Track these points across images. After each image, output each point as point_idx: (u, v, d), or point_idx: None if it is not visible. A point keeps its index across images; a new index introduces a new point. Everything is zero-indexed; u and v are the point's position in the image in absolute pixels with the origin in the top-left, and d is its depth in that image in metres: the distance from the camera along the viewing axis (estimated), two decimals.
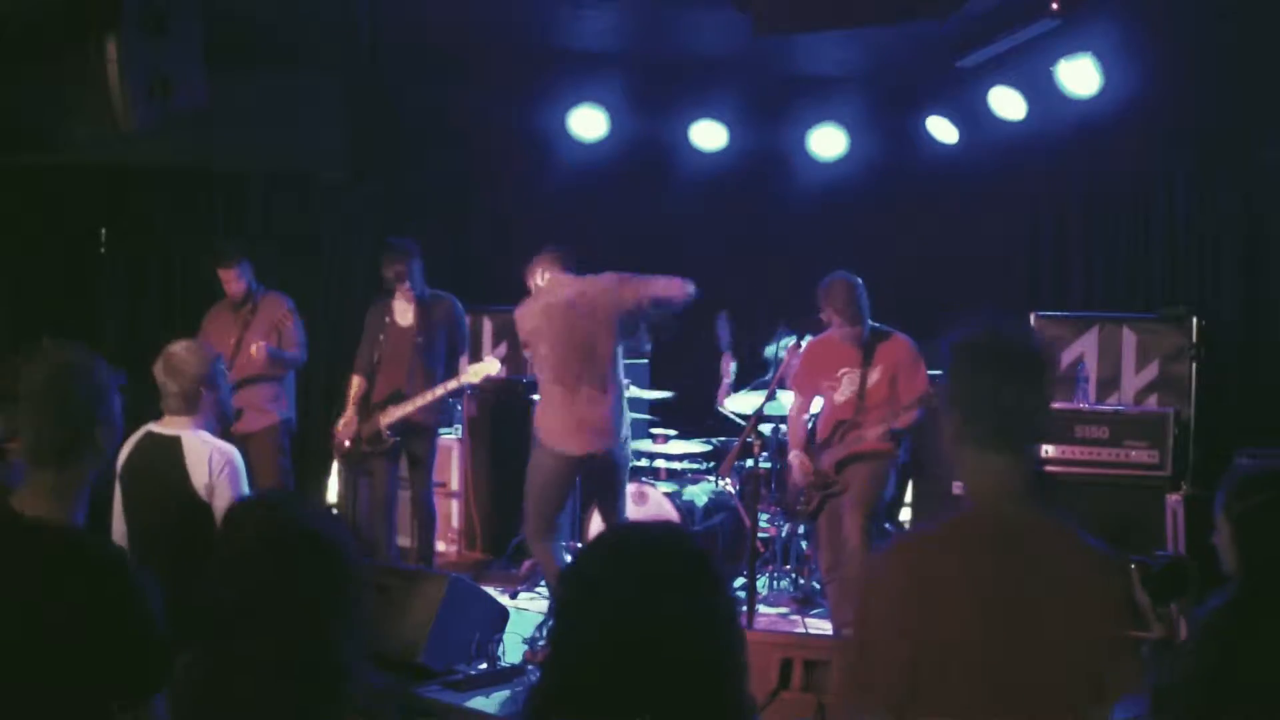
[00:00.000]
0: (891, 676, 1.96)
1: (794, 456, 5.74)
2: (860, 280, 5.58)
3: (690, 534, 1.91)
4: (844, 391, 5.57)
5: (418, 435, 6.28)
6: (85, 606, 2.13)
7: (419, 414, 6.18)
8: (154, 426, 3.95)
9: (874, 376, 5.49)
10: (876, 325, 5.59)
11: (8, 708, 2.07)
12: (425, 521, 6.42)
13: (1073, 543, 2.03)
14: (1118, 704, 2.01)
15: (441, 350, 6.32)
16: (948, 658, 1.95)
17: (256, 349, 6.32)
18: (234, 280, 6.56)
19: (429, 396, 6.15)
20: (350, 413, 6.29)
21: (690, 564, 1.80)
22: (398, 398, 6.21)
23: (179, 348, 3.97)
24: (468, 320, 6.66)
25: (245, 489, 3.85)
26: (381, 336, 6.34)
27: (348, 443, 6.30)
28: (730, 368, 7.05)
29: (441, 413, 6.49)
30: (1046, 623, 1.95)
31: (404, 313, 6.37)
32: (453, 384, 6.18)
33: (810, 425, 5.85)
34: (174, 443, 3.85)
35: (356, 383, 6.37)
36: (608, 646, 1.72)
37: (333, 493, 7.35)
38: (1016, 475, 2.04)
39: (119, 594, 2.17)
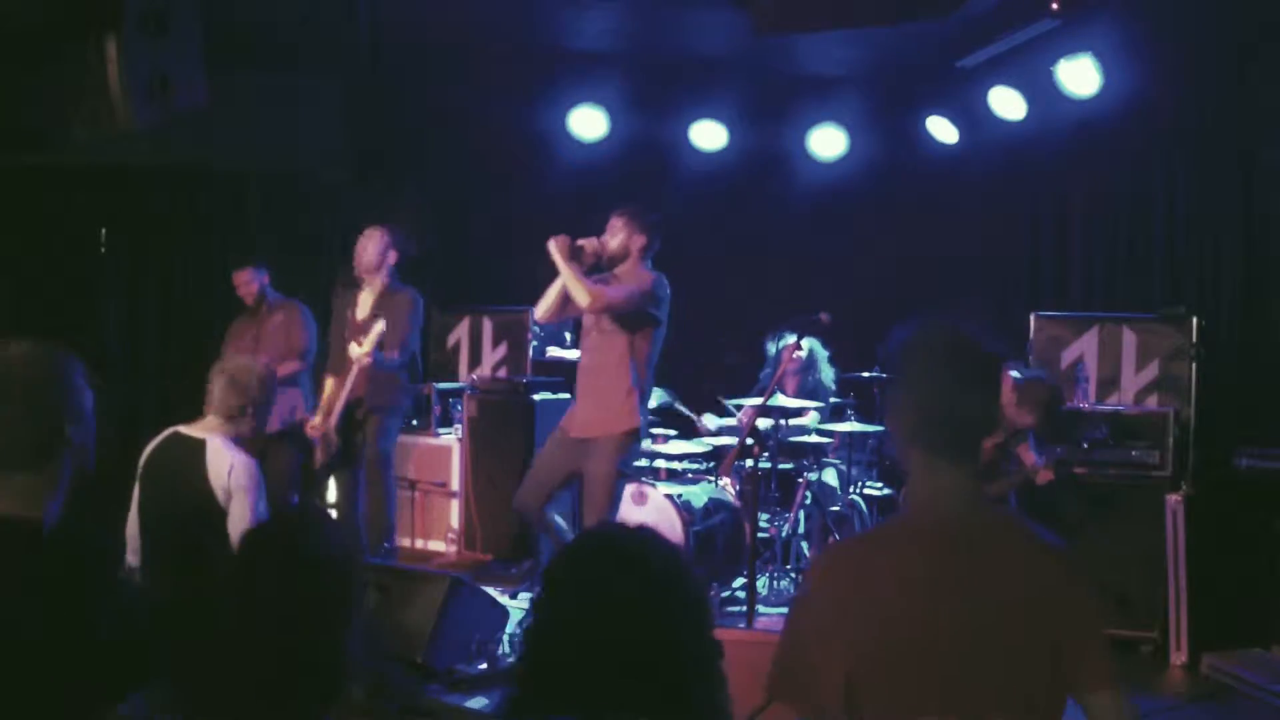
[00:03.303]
0: (826, 684, 1.90)
1: None
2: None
3: (664, 539, 1.91)
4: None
5: (360, 421, 6.08)
6: (53, 606, 2.04)
7: (355, 398, 5.99)
8: (182, 428, 3.98)
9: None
10: None
11: None
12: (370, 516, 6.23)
13: (1022, 540, 1.98)
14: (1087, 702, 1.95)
15: (390, 339, 6.01)
16: (888, 662, 1.89)
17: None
18: (244, 284, 6.55)
19: (345, 383, 5.89)
20: (319, 418, 6.13)
21: (661, 569, 1.82)
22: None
23: (251, 365, 4.07)
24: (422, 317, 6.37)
25: (262, 502, 3.88)
26: (347, 333, 6.19)
27: (319, 454, 6.22)
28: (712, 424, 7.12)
29: (388, 394, 6.20)
30: (992, 623, 1.89)
31: (364, 304, 6.23)
32: (362, 362, 5.82)
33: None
34: (199, 446, 3.88)
35: (329, 385, 6.25)
36: (576, 646, 1.75)
37: (332, 493, 7.36)
38: (962, 476, 1.99)
39: (89, 593, 2.08)
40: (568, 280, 5.31)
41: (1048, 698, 1.92)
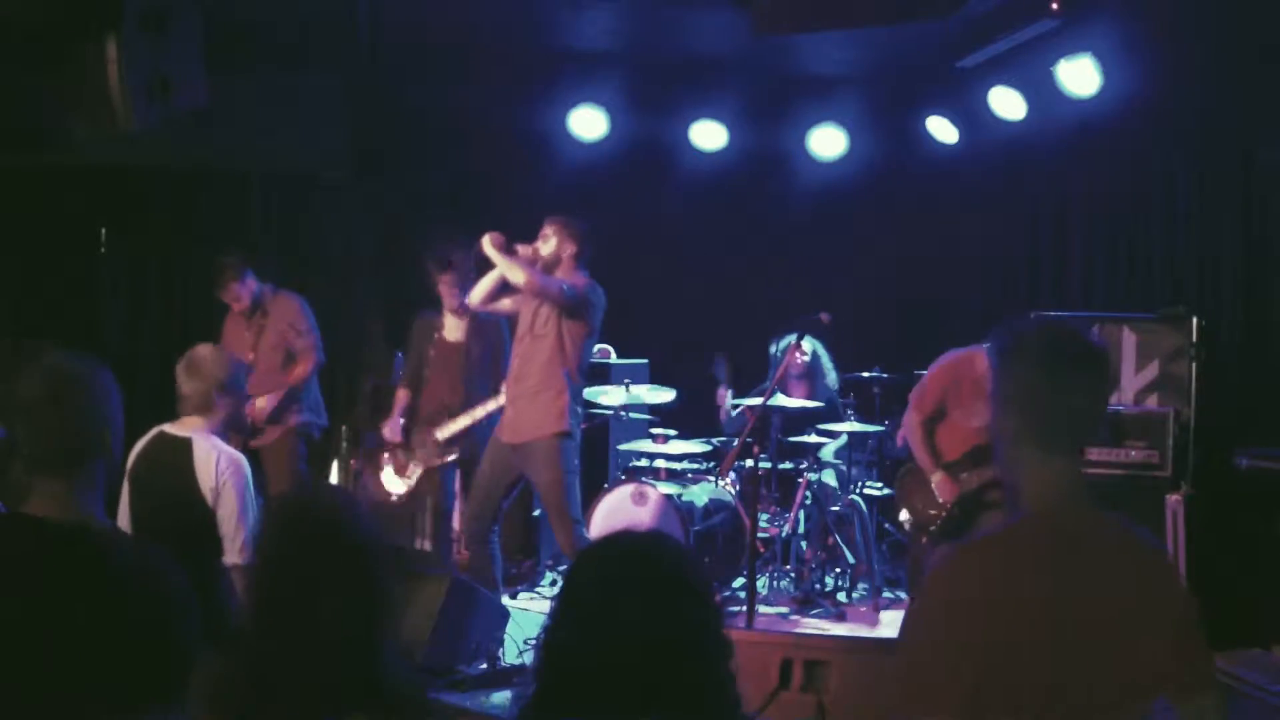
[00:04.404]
0: (955, 684, 1.93)
1: (939, 480, 5.53)
2: None
3: (676, 543, 1.95)
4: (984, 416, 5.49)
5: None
6: (95, 607, 2.07)
7: (477, 427, 6.23)
8: (167, 427, 3.96)
9: None
10: None
11: (20, 711, 2.02)
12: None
13: (1132, 541, 2.02)
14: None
15: (487, 366, 6.33)
16: (1014, 662, 1.93)
17: (259, 410, 6.20)
18: (235, 299, 6.48)
19: (484, 410, 6.14)
20: (395, 419, 6.40)
21: (676, 573, 1.85)
22: (446, 411, 6.27)
23: (202, 350, 3.99)
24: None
25: (250, 497, 3.86)
26: (432, 351, 6.40)
27: (395, 454, 6.37)
28: (727, 402, 7.01)
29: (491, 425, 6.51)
30: (1112, 623, 1.93)
31: (453, 329, 6.42)
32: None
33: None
34: (185, 444, 3.86)
35: (402, 395, 6.50)
36: (595, 649, 1.78)
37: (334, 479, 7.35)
38: (1074, 475, 2.03)
39: (138, 594, 2.11)
40: (504, 267, 5.42)
41: (1148, 696, 1.96)
